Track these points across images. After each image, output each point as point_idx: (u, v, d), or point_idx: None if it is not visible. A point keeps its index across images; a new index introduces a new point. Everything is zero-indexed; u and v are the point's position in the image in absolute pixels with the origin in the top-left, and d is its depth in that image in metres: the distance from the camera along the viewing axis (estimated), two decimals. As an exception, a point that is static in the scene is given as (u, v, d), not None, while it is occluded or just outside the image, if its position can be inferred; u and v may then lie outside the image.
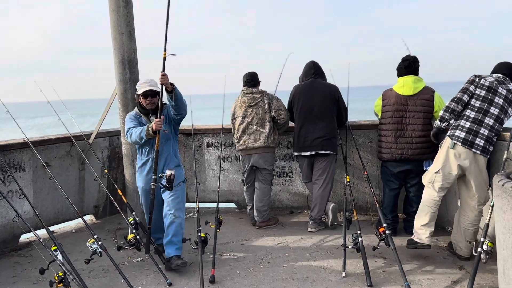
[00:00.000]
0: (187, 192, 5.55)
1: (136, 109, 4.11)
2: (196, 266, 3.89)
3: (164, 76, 3.68)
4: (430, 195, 3.88)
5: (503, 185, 2.62)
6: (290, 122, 5.05)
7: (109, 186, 5.15)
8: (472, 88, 3.82)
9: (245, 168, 5.02)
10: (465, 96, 3.81)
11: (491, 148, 3.72)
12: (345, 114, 4.88)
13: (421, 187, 4.27)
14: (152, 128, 3.78)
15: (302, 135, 4.80)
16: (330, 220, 4.76)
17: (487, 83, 3.77)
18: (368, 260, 3.66)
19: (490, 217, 3.17)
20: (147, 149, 4.04)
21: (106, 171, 5.14)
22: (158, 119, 3.79)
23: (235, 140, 5.04)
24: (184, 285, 3.63)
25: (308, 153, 4.79)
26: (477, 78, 3.83)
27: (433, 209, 3.85)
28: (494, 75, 3.87)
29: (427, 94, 4.37)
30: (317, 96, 4.75)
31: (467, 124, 3.74)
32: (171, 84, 3.73)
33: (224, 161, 5.66)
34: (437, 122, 3.99)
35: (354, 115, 5.27)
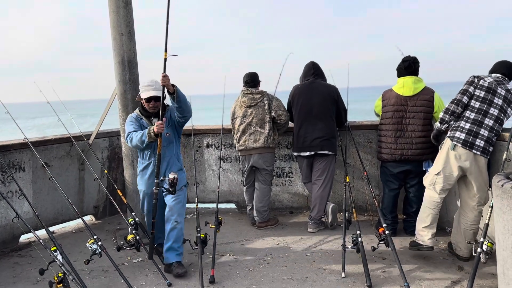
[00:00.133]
0: (187, 192, 5.54)
1: (137, 111, 4.01)
2: (196, 266, 3.90)
3: (165, 77, 3.58)
4: (431, 197, 3.88)
5: (502, 185, 2.62)
6: (290, 122, 5.05)
7: (109, 186, 5.15)
8: (471, 89, 3.82)
9: (244, 168, 5.02)
10: (465, 97, 3.81)
11: (491, 149, 3.72)
12: (344, 114, 4.88)
13: (421, 187, 4.27)
14: (153, 131, 3.68)
15: (301, 135, 4.80)
16: (329, 221, 4.76)
17: (486, 84, 3.77)
18: (367, 260, 3.66)
19: (489, 218, 3.18)
20: (149, 153, 3.94)
21: (106, 171, 5.14)
22: (160, 122, 3.67)
23: (235, 141, 5.05)
24: (183, 286, 3.63)
25: (307, 154, 4.79)
26: (476, 79, 3.83)
27: (435, 211, 3.85)
28: (493, 75, 3.86)
29: (427, 95, 4.37)
30: (316, 96, 4.75)
31: (467, 126, 3.74)
32: (173, 85, 3.63)
33: (224, 162, 5.66)
34: (437, 124, 3.99)
35: (354, 116, 5.27)
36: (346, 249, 3.83)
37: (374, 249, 3.79)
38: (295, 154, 4.95)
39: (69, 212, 4.97)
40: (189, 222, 4.91)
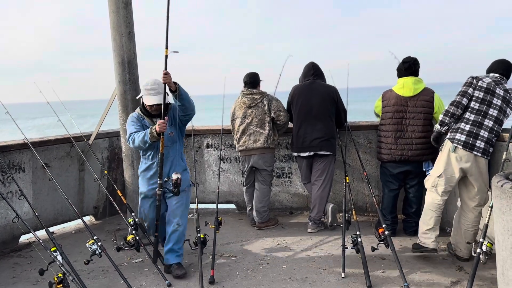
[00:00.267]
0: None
1: (138, 110, 3.88)
2: (196, 267, 3.90)
3: (166, 74, 3.45)
4: (433, 199, 3.88)
5: (502, 185, 2.62)
6: (289, 123, 5.05)
7: (109, 187, 5.15)
8: (470, 90, 3.81)
9: (244, 169, 5.02)
10: (464, 99, 3.80)
11: (491, 150, 3.72)
12: (344, 115, 4.88)
13: (421, 188, 4.27)
14: (156, 130, 3.56)
15: (300, 136, 4.80)
16: (329, 221, 4.76)
17: (484, 85, 3.77)
18: (367, 261, 3.66)
19: (489, 218, 3.18)
20: (152, 153, 3.80)
21: (105, 172, 5.14)
22: (162, 120, 3.56)
23: (235, 141, 5.05)
24: (183, 286, 3.63)
25: (306, 154, 4.79)
26: (474, 80, 3.82)
27: (437, 213, 3.85)
28: (491, 75, 3.86)
29: (427, 95, 4.37)
30: (316, 97, 4.76)
31: (467, 127, 3.73)
32: (175, 83, 3.50)
33: (224, 162, 5.66)
34: (437, 126, 3.99)
35: (354, 116, 5.27)
36: (345, 249, 3.83)
37: (373, 249, 3.78)
38: (295, 154, 4.95)
39: (69, 212, 4.97)
40: (189, 223, 4.88)
